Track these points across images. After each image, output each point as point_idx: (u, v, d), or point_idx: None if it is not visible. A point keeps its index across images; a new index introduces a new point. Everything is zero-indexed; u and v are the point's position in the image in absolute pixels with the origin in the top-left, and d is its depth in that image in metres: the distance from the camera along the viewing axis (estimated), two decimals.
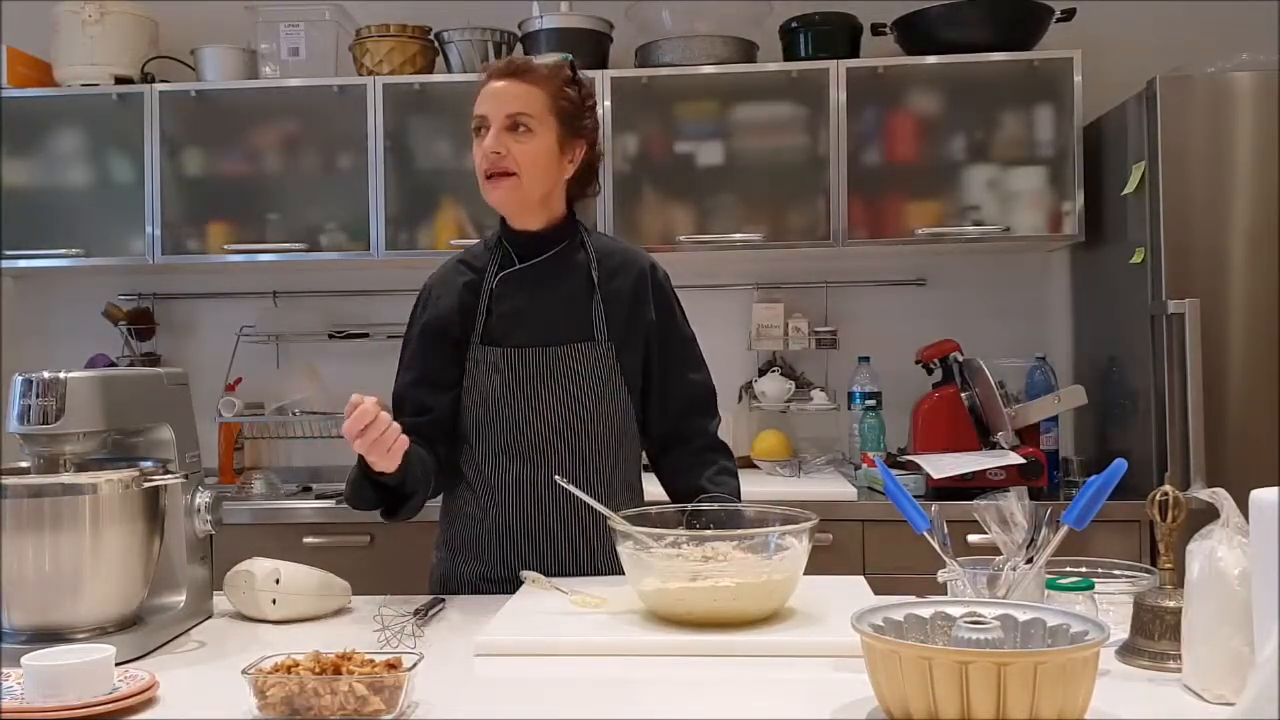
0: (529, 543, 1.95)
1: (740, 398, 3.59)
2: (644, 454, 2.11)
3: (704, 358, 2.10)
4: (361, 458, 1.75)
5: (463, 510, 2.00)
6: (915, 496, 1.66)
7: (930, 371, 3.34)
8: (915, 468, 3.07)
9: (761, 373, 3.60)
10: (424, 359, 2.00)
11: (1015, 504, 1.51)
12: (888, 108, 3.36)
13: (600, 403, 1.96)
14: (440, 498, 2.06)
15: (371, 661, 1.30)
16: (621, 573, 1.68)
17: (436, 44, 3.49)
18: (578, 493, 1.74)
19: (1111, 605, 1.57)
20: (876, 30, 3.39)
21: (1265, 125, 2.85)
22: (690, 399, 2.07)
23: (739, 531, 1.67)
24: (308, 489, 3.46)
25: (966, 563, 1.54)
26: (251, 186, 3.53)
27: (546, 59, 2.00)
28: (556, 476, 1.80)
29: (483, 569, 1.97)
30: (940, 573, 1.56)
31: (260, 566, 1.74)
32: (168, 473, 1.63)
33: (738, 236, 3.36)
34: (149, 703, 1.33)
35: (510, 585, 1.85)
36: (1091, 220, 3.26)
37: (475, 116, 1.94)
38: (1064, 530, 1.49)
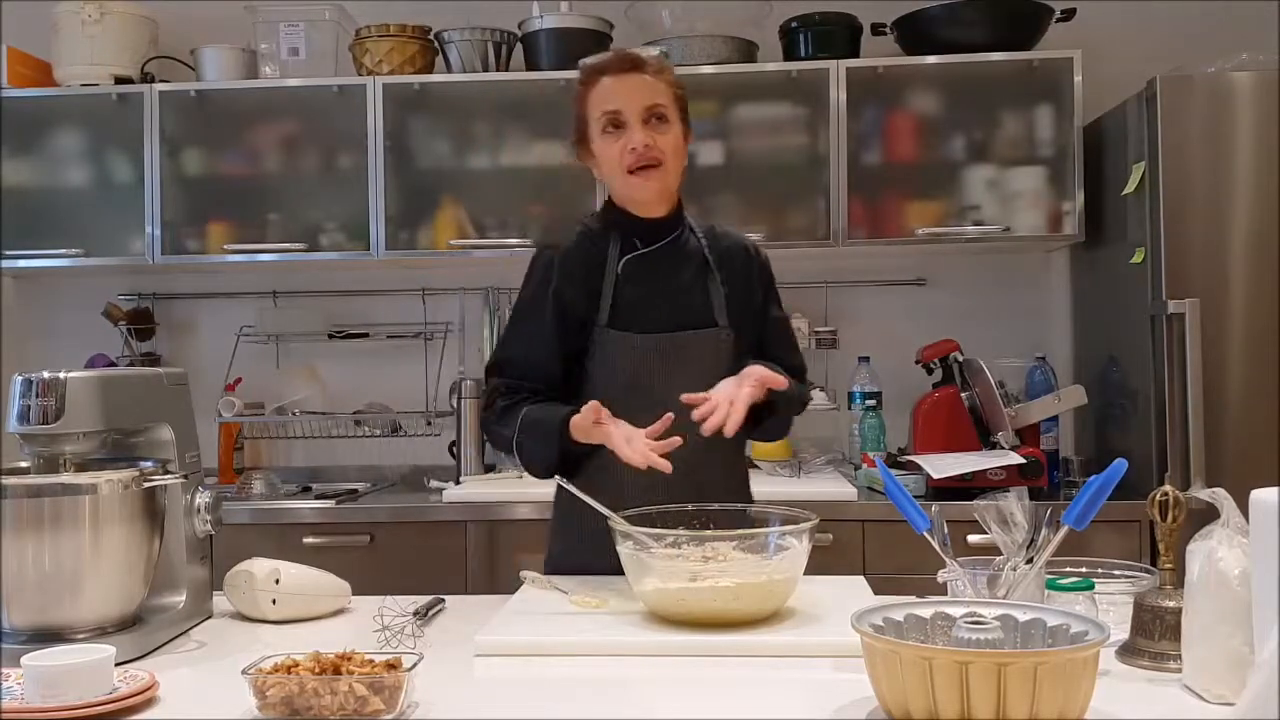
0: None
1: None
2: None
3: None
4: (566, 424, 1.80)
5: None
6: (915, 496, 1.67)
7: (930, 371, 3.34)
8: (915, 468, 3.06)
9: None
10: (556, 327, 1.95)
11: (1015, 504, 1.51)
12: (888, 108, 3.36)
13: None
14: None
15: (371, 661, 1.30)
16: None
17: (436, 44, 3.49)
18: (578, 493, 1.74)
19: (1111, 605, 1.57)
20: (876, 30, 3.38)
21: (1265, 125, 2.85)
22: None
23: (739, 531, 1.67)
24: (308, 489, 3.46)
25: (966, 563, 1.54)
26: (251, 186, 3.52)
27: (650, 53, 1.98)
28: (557, 477, 1.80)
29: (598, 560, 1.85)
30: (940, 573, 1.56)
31: (260, 566, 1.74)
32: (167, 473, 1.63)
33: None
34: (149, 703, 1.33)
35: None
36: (1091, 220, 3.26)
37: (606, 113, 1.91)
38: (1064, 530, 1.49)
